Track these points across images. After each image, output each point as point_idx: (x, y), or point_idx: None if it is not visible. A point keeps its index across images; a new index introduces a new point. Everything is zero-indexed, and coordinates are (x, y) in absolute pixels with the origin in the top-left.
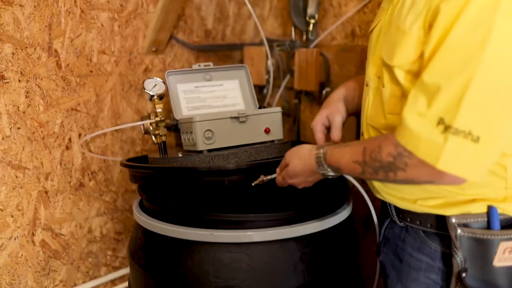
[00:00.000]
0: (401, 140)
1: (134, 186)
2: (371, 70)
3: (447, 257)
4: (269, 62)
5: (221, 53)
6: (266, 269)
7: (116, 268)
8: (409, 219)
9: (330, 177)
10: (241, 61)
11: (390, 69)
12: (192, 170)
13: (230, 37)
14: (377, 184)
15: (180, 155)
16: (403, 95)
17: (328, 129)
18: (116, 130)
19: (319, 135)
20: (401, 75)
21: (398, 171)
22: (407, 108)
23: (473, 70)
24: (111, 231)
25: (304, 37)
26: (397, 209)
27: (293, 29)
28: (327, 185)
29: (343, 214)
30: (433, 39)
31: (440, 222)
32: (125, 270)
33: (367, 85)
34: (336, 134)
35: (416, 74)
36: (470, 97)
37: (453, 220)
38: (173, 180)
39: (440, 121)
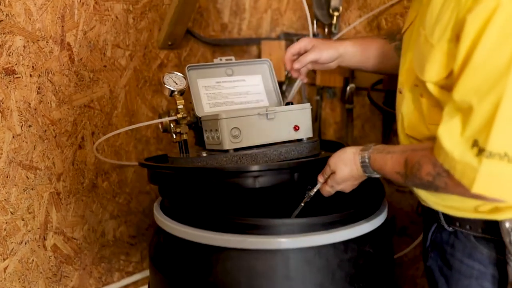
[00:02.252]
0: (438, 158)
1: (148, 187)
2: (404, 77)
3: (501, 264)
4: None
5: (237, 48)
6: (302, 278)
7: (129, 274)
8: (458, 224)
9: (375, 176)
10: (258, 56)
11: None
12: (220, 171)
13: (246, 31)
14: (422, 193)
15: (204, 154)
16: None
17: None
18: (130, 129)
19: (287, 60)
20: (434, 90)
21: (439, 189)
22: (442, 126)
23: (502, 89)
24: (125, 234)
25: (326, 30)
26: (445, 213)
27: (315, 22)
28: (362, 188)
29: (380, 218)
30: (461, 54)
31: (493, 227)
32: (139, 276)
33: (400, 92)
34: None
35: (449, 89)
36: (502, 117)
37: (507, 225)
38: (199, 181)
39: (475, 143)
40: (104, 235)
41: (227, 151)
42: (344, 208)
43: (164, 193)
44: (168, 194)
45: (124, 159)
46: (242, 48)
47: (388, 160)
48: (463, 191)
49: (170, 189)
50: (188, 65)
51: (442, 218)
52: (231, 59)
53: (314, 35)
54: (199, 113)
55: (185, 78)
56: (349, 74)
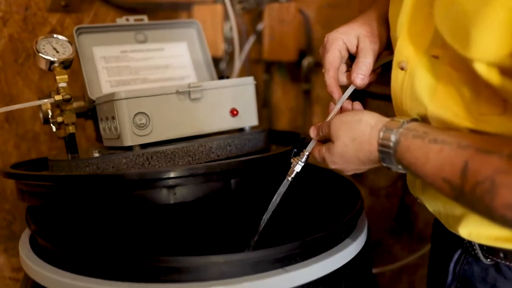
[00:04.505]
0: None
1: None
2: (409, 46)
3: None
4: (230, 25)
5: (161, 14)
6: None
7: None
8: (502, 255)
9: (399, 172)
10: None
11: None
12: (116, 179)
13: None
14: (448, 217)
15: (97, 154)
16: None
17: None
18: (9, 121)
19: (331, 81)
20: (490, 74)
21: None
22: None
23: None
24: (6, 268)
25: None
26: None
27: None
28: (330, 198)
29: (359, 242)
30: None
31: None
32: None
33: (402, 68)
34: (361, 72)
35: None
36: None
37: None
38: (86, 197)
39: None
40: None
41: (130, 148)
42: (306, 231)
43: (33, 219)
44: (39, 221)
45: (0, 162)
46: (167, 14)
47: (433, 155)
48: None
49: (43, 212)
50: (77, 27)
51: (477, 246)
52: (142, 19)
53: None
54: (93, 95)
55: (72, 44)
56: (306, 44)
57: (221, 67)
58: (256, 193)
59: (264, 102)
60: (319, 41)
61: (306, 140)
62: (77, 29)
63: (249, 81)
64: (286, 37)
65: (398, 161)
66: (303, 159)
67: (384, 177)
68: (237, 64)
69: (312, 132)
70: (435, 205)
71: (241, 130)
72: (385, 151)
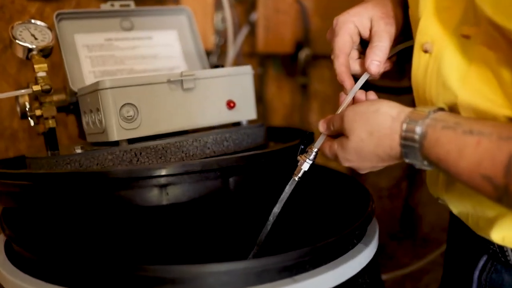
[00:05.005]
0: None
1: None
2: (434, 28)
3: None
4: (222, 15)
5: (148, 3)
6: None
7: None
8: None
9: (423, 168)
10: None
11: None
12: (101, 177)
13: None
14: (490, 216)
15: (79, 150)
16: None
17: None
18: None
19: (342, 69)
20: None
21: None
22: None
23: None
24: None
25: None
26: None
27: None
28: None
29: (371, 248)
30: None
31: None
32: None
33: (425, 51)
34: (376, 58)
35: None
36: None
37: None
38: (66, 197)
39: None
40: None
41: (116, 143)
42: (314, 235)
43: (9, 223)
44: (15, 225)
45: None
46: (154, 4)
47: (468, 149)
48: None
49: (20, 216)
50: (58, 12)
51: (510, 252)
52: (128, 5)
53: None
54: (75, 86)
55: (52, 30)
56: (303, 36)
57: (211, 61)
58: (258, 194)
59: (259, 98)
60: (317, 32)
61: (313, 135)
62: (57, 15)
63: (247, 70)
64: (282, 27)
65: (424, 156)
66: (312, 157)
67: (386, 177)
68: (230, 57)
69: (322, 126)
70: (462, 206)
71: (236, 124)
72: (409, 145)
